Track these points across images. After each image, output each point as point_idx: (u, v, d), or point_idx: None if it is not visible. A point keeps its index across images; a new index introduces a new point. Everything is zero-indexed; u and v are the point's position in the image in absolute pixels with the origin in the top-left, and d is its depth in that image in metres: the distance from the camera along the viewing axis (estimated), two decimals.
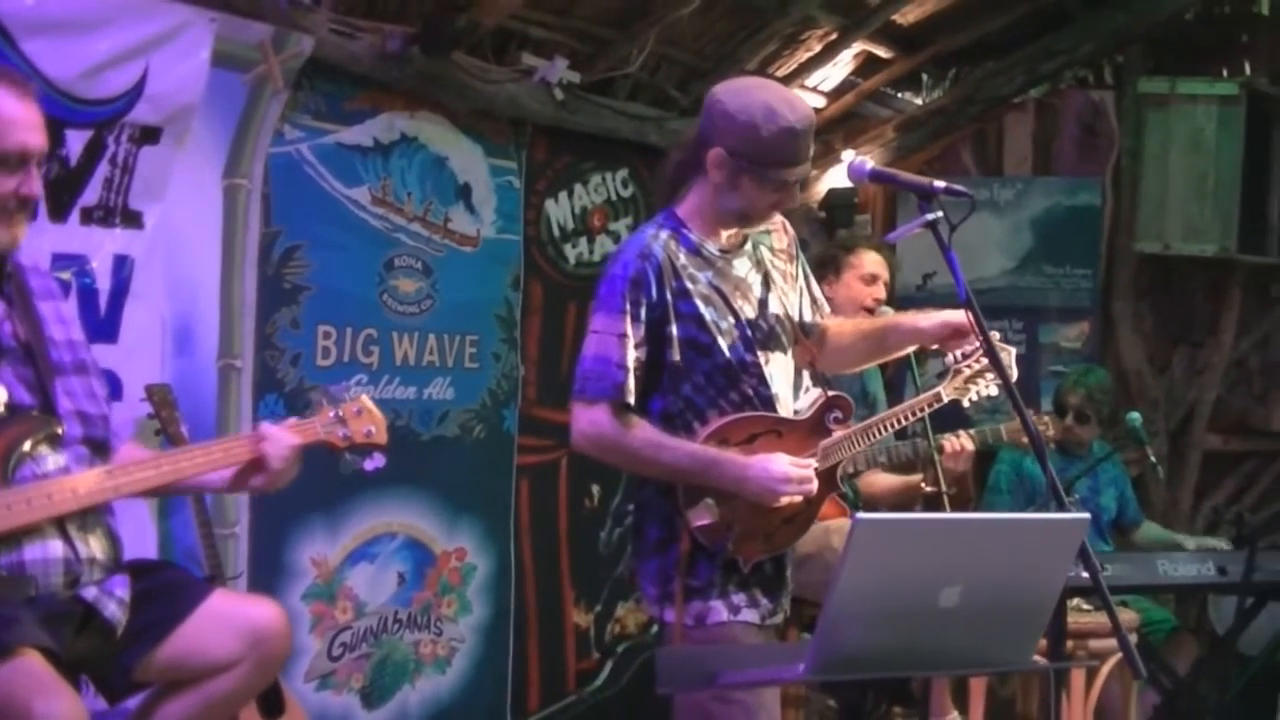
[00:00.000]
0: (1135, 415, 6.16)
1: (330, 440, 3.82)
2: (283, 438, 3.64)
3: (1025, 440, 5.22)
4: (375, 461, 3.96)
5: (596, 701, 6.99)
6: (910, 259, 7.50)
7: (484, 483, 6.47)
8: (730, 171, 3.93)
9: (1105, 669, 5.46)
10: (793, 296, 4.21)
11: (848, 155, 3.73)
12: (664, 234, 4.01)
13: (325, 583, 5.76)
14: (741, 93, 3.96)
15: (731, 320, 3.99)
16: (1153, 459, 6.47)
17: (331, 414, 3.83)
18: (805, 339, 4.22)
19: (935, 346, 4.21)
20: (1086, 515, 3.28)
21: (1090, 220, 7.96)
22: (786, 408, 4.09)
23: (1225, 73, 7.77)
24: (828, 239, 7.44)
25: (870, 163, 3.86)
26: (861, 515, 2.88)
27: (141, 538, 4.89)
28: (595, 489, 6.98)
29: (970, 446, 5.46)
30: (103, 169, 4.80)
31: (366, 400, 3.89)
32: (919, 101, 8.24)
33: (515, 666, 6.62)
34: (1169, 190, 7.57)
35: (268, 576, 5.49)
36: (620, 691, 7.07)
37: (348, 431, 3.83)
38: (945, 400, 4.31)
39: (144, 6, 4.76)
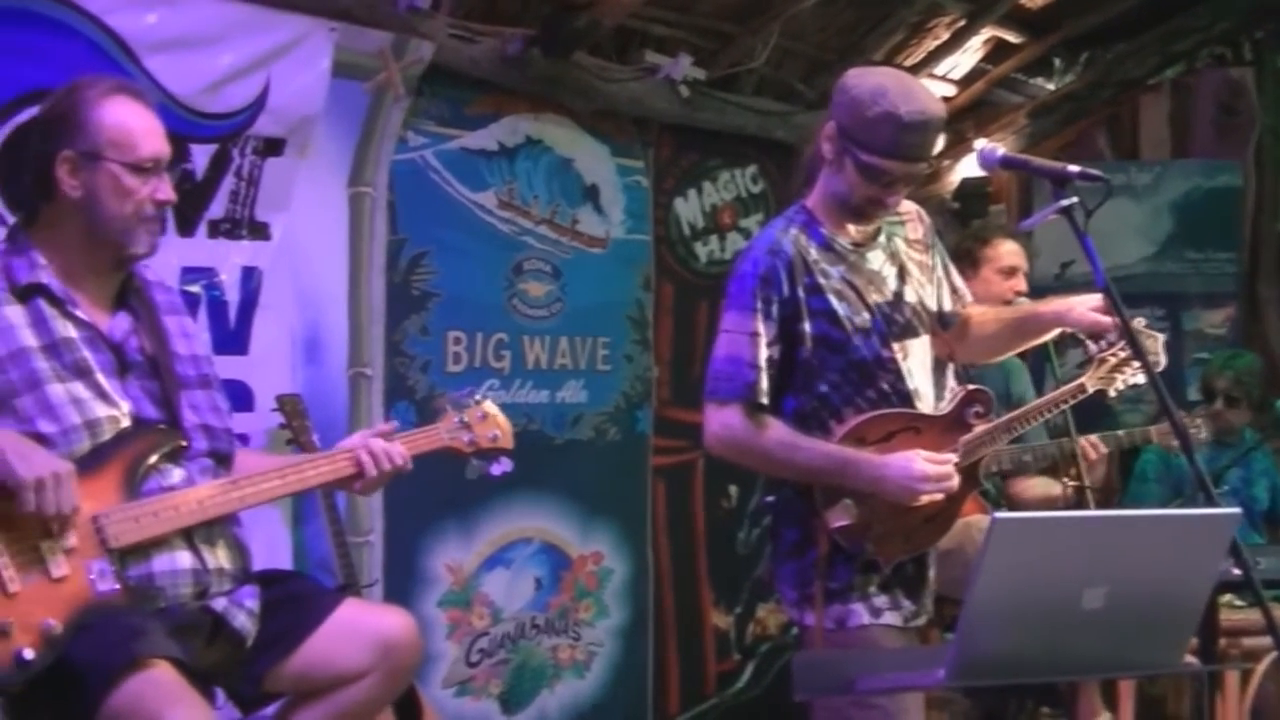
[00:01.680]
0: None
1: (455, 446, 3.80)
2: (388, 454, 3.62)
3: (1175, 442, 5.11)
4: (502, 466, 3.91)
5: (738, 704, 6.92)
6: (1047, 247, 7.36)
7: (619, 485, 6.43)
8: (837, 149, 3.86)
9: (1260, 668, 5.30)
10: (929, 288, 4.10)
11: (980, 144, 3.64)
12: (794, 228, 3.93)
13: (460, 589, 5.74)
14: (867, 74, 3.90)
15: (866, 315, 3.91)
16: None
17: (455, 420, 3.81)
18: (944, 330, 4.11)
19: (1081, 330, 4.09)
20: (1238, 510, 3.17)
21: (1232, 202, 7.78)
22: (926, 403, 3.98)
23: None
24: (961, 230, 7.30)
25: (1001, 149, 3.74)
26: (999, 514, 2.79)
27: (275, 547, 4.91)
28: (732, 489, 6.91)
29: (1104, 450, 5.34)
30: (228, 182, 4.82)
31: (491, 405, 3.86)
32: (1050, 86, 8.08)
33: (655, 670, 6.58)
34: None
35: (403, 584, 5.49)
36: (762, 694, 6.99)
37: (473, 436, 3.81)
38: (1089, 392, 4.21)
39: (264, 19, 4.77)
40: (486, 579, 5.86)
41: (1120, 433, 5.42)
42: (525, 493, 5.95)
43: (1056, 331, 4.22)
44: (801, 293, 3.85)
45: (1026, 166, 3.79)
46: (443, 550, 5.68)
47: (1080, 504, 5.07)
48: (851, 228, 3.96)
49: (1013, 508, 5.31)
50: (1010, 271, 5.56)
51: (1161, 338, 4.06)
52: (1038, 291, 5.70)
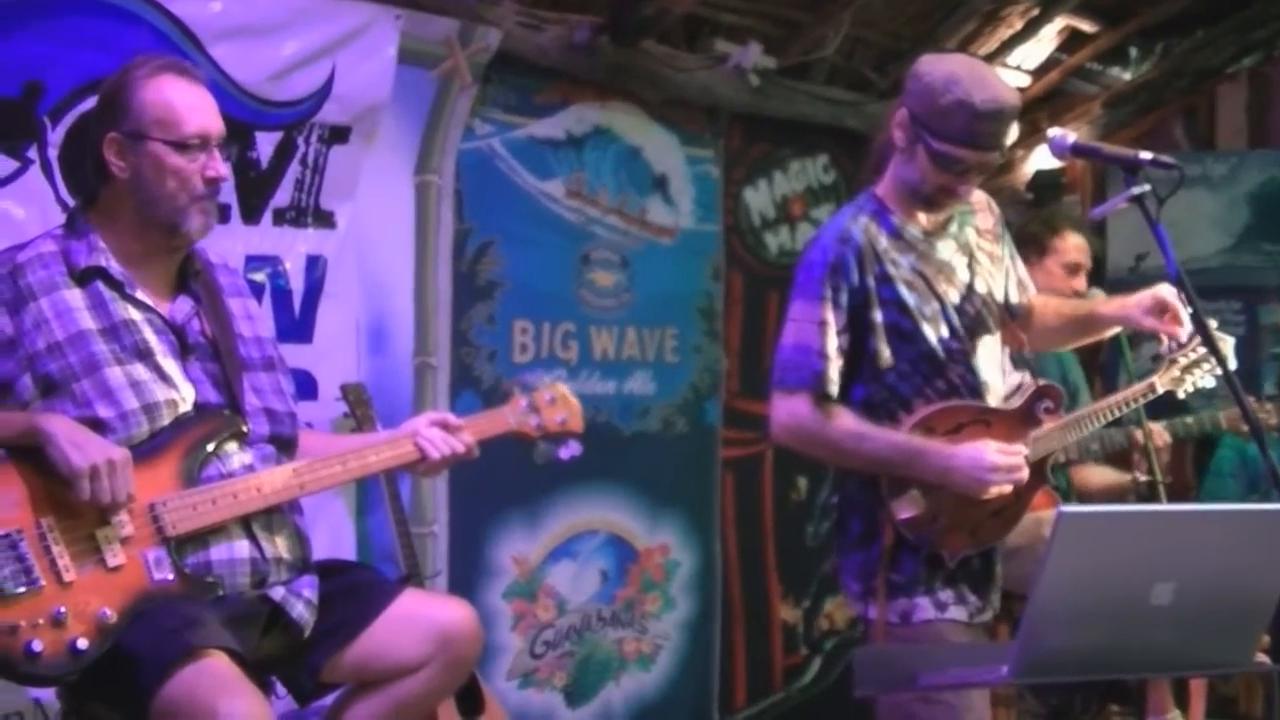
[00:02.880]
0: None
1: (522, 430, 3.76)
2: (449, 443, 3.59)
3: (1245, 428, 5.03)
4: (570, 450, 3.90)
5: (804, 699, 6.87)
6: (1120, 239, 7.27)
7: (687, 477, 6.39)
8: (910, 136, 3.83)
9: None
10: (999, 278, 4.06)
11: (1053, 132, 3.58)
12: (864, 217, 3.89)
13: (526, 581, 5.72)
14: (940, 61, 3.86)
15: (936, 305, 3.87)
16: None
17: (523, 403, 3.77)
18: (1012, 322, 4.06)
19: (1147, 326, 4.03)
20: None
21: None
22: (995, 395, 3.94)
23: None
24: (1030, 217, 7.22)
25: (1072, 136, 3.67)
26: (1065, 508, 2.74)
27: (339, 537, 4.91)
28: (802, 481, 6.86)
29: (1168, 438, 5.26)
30: (293, 170, 4.82)
31: (561, 387, 3.83)
32: (1126, 76, 7.97)
33: (721, 663, 6.53)
34: None
35: (467, 575, 5.48)
36: (829, 689, 6.94)
37: (540, 420, 3.78)
38: (1159, 392, 4.16)
39: (329, 7, 4.77)
40: (552, 571, 5.83)
41: (1189, 419, 5.33)
42: (592, 484, 5.93)
43: (1121, 327, 4.18)
44: (871, 281, 3.82)
45: (1098, 154, 3.72)
46: (508, 541, 5.66)
47: (1152, 497, 5.00)
48: (922, 216, 3.92)
49: (1081, 499, 5.25)
50: (1075, 269, 5.47)
51: (1231, 340, 3.99)
52: (1111, 284, 5.63)
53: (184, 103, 3.39)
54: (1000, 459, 3.75)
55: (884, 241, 3.86)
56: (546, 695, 5.82)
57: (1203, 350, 4.17)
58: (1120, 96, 7.70)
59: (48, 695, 4.10)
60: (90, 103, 3.94)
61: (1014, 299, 4.11)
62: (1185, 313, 3.95)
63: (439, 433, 3.60)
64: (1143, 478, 5.06)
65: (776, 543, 6.79)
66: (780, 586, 6.81)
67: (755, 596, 6.70)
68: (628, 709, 6.13)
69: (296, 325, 4.84)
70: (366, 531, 5.07)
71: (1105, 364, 6.54)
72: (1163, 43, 7.82)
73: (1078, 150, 3.68)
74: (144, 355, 3.35)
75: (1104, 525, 2.84)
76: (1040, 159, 7.48)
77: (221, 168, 3.44)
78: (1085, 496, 5.32)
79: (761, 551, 6.74)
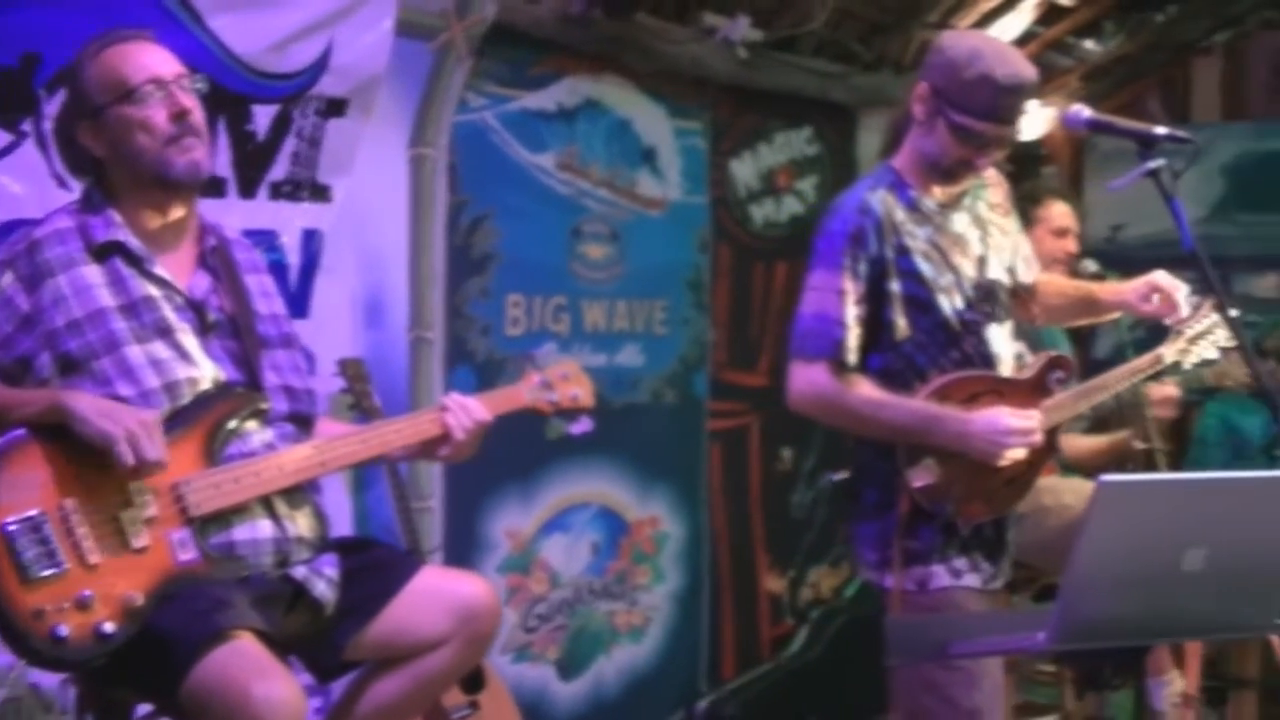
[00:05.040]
0: None
1: (537, 406, 3.77)
2: (468, 409, 3.58)
3: (1230, 384, 5.09)
4: (583, 426, 3.89)
5: (793, 668, 6.90)
6: (1098, 210, 7.29)
7: (676, 449, 6.41)
8: (930, 109, 3.85)
9: None
10: (1009, 252, 4.09)
11: (1031, 106, 3.63)
12: (881, 189, 3.91)
13: (520, 554, 5.72)
14: (962, 38, 3.92)
15: (951, 277, 3.90)
16: None
17: (537, 379, 3.78)
18: (1023, 297, 4.09)
19: (1145, 311, 4.10)
20: None
21: None
22: (1007, 366, 3.97)
23: None
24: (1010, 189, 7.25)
25: (1087, 111, 3.71)
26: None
27: (337, 514, 4.85)
28: (787, 452, 6.89)
29: (1177, 392, 5.30)
30: (290, 143, 4.77)
31: (573, 364, 3.85)
32: (1102, 49, 8.01)
33: (710, 634, 6.57)
34: None
35: (463, 549, 5.47)
36: (816, 658, 6.97)
37: (554, 396, 3.79)
38: (1167, 363, 4.19)
39: None
40: (545, 544, 5.83)
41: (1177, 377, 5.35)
42: (583, 457, 5.93)
43: (1121, 313, 4.24)
44: (890, 253, 3.85)
45: (1113, 129, 3.75)
46: (503, 516, 5.65)
47: (1150, 466, 5.04)
48: (938, 190, 3.95)
49: (1072, 468, 5.28)
50: (1062, 232, 5.57)
51: (1186, 288, 4.06)
52: (1089, 255, 5.65)
53: (127, 60, 3.36)
54: (1016, 423, 3.79)
55: (901, 213, 3.89)
56: (540, 668, 5.83)
57: (1207, 322, 4.22)
58: (1098, 70, 7.77)
59: (49, 680, 4.08)
60: None
61: (1022, 275, 4.13)
62: (1180, 293, 4.04)
63: (459, 397, 3.59)
64: (1141, 445, 5.10)
65: (763, 513, 6.81)
66: (767, 557, 6.84)
67: (742, 567, 6.73)
68: (619, 681, 6.14)
69: (293, 300, 4.77)
70: (365, 507, 5.06)
71: (1085, 334, 6.57)
72: (1139, 16, 7.87)
73: (1094, 125, 3.72)
74: (164, 333, 3.32)
75: (1140, 493, 2.87)
76: (1021, 130, 7.48)
77: (185, 99, 3.37)
78: (1076, 464, 5.34)
79: (748, 523, 6.77)
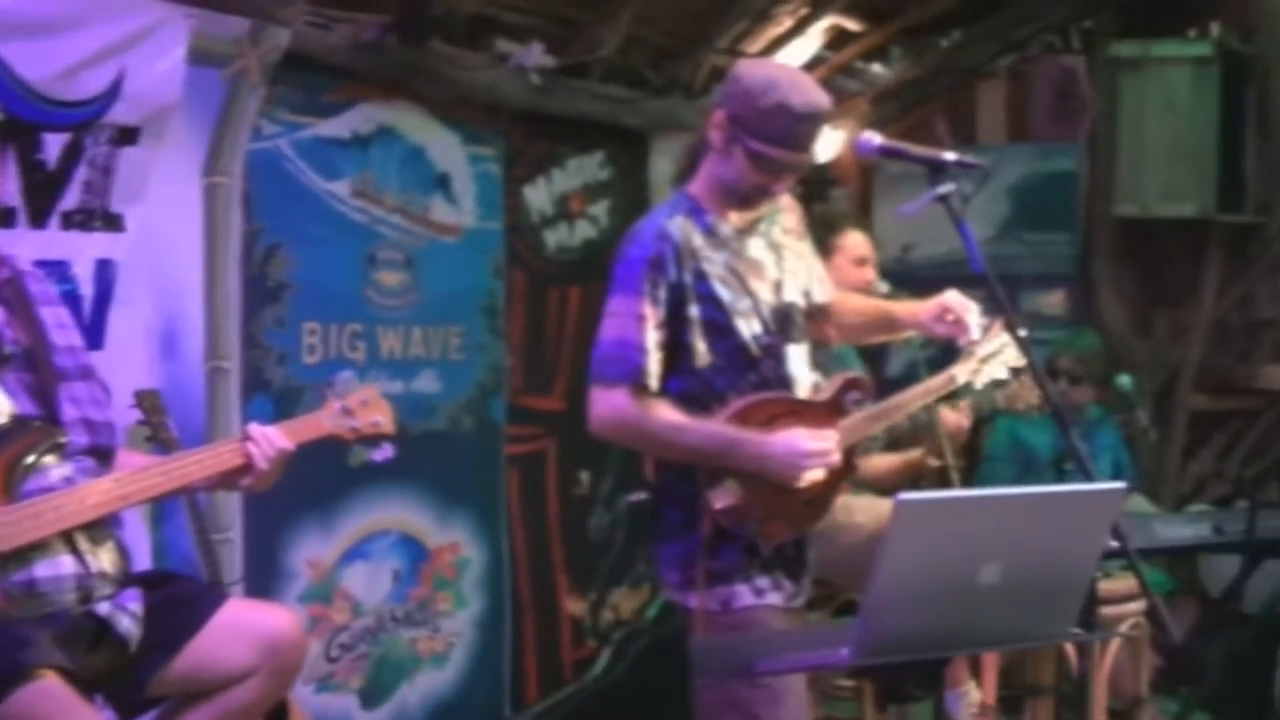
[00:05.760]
0: (1126, 378, 6.11)
1: (339, 433, 3.77)
2: (270, 439, 3.57)
3: (1020, 406, 5.22)
4: (384, 452, 3.90)
5: (596, 690, 6.92)
6: (888, 231, 7.43)
7: (474, 475, 6.40)
8: (727, 137, 3.90)
9: (1116, 637, 5.44)
10: (804, 275, 4.17)
11: (864, 135, 3.73)
12: (679, 215, 3.96)
13: (321, 584, 5.68)
14: (758, 66, 4.03)
15: (749, 301, 3.96)
16: (1145, 422, 6.41)
17: (338, 406, 3.78)
18: (818, 318, 4.17)
19: (938, 332, 4.20)
20: (1123, 484, 3.26)
21: (1067, 186, 7.95)
22: (804, 388, 4.05)
23: (1194, 33, 7.71)
24: (804, 213, 7.36)
25: (878, 138, 3.81)
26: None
27: (136, 547, 4.77)
28: (584, 475, 6.92)
29: (967, 423, 5.42)
30: (82, 172, 4.69)
31: (373, 390, 3.85)
32: (890, 74, 8.18)
33: (513, 659, 6.56)
34: (1145, 153, 7.51)
35: (264, 580, 5.41)
36: (619, 679, 7.00)
37: (355, 423, 3.79)
38: (960, 383, 4.31)
39: (119, 5, 4.65)
40: (346, 573, 5.79)
41: (968, 400, 5.46)
42: (382, 484, 5.89)
43: (916, 333, 4.33)
44: (688, 278, 3.90)
45: (905, 154, 3.85)
46: (303, 545, 5.60)
47: (944, 483, 5.15)
48: (734, 215, 4.01)
49: (867, 486, 5.38)
50: (861, 262, 5.60)
51: (978, 308, 4.17)
52: (880, 276, 5.75)
53: None
54: (813, 445, 3.87)
55: (699, 239, 3.94)
56: (343, 698, 5.78)
57: (998, 342, 4.33)
58: (886, 94, 7.94)
59: None
60: None
61: (817, 296, 4.21)
62: (971, 315, 4.13)
63: (259, 427, 3.57)
64: (935, 462, 5.21)
65: (562, 537, 6.84)
66: (567, 580, 6.86)
67: (543, 591, 6.74)
68: (423, 708, 6.11)
69: (87, 332, 4.67)
70: (163, 540, 4.98)
71: (877, 353, 6.71)
72: (926, 41, 8.06)
73: (885, 151, 3.83)
74: None
75: (938, 511, 2.97)
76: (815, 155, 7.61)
77: None
78: (872, 483, 5.44)
79: (548, 546, 6.79)
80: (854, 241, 5.60)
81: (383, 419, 3.86)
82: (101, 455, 3.46)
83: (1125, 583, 5.29)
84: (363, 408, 3.81)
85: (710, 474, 3.87)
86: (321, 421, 3.76)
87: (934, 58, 8.02)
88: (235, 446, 3.54)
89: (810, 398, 4.04)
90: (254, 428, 3.59)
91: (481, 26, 6.14)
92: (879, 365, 7.05)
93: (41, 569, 3.23)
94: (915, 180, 3.78)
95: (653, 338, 3.87)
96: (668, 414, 3.87)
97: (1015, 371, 4.43)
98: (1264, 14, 7.40)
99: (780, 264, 4.09)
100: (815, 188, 7.74)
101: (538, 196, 6.71)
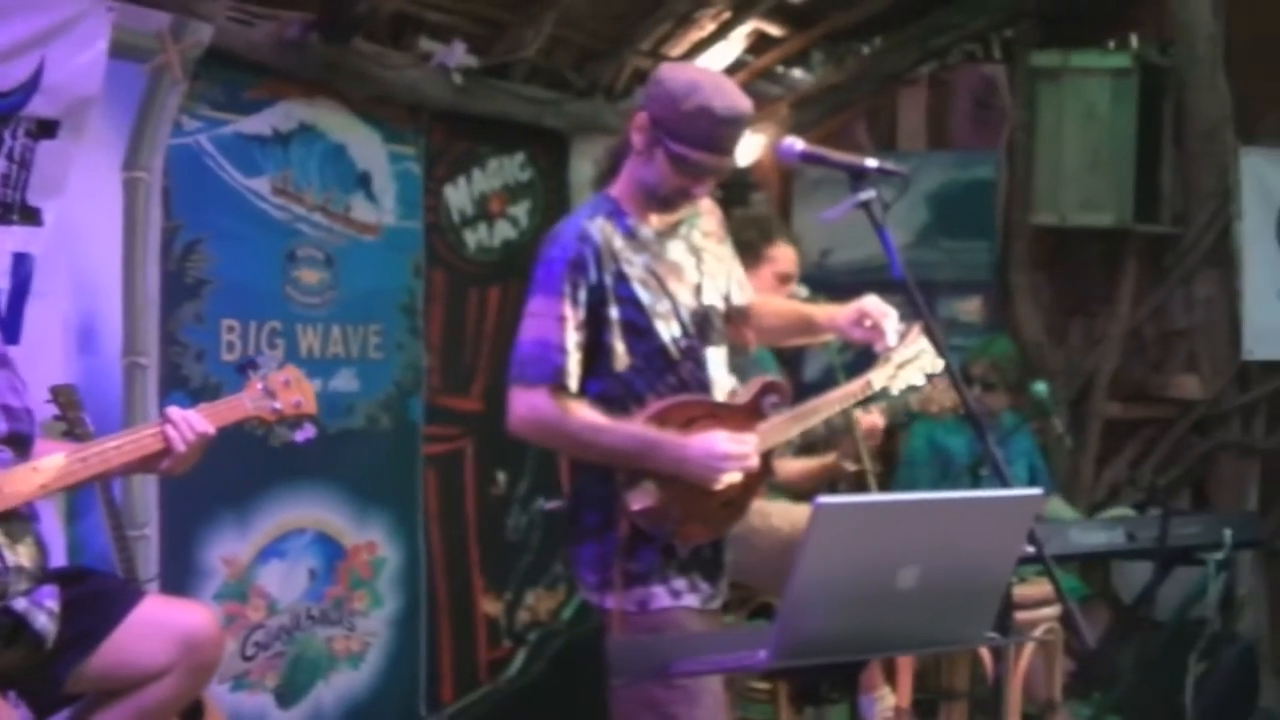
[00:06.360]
0: (1041, 386, 6.15)
1: (260, 414, 3.78)
2: (190, 422, 3.55)
3: (934, 410, 5.25)
4: (306, 433, 3.92)
5: (512, 691, 6.92)
6: (807, 236, 7.43)
7: (392, 474, 6.39)
8: (649, 139, 3.91)
9: (1031, 641, 5.49)
10: (723, 279, 4.19)
11: (786, 140, 3.74)
12: (600, 217, 3.97)
13: (237, 581, 5.66)
14: (681, 70, 4.01)
15: (668, 304, 3.97)
16: (1060, 429, 6.45)
17: (260, 387, 3.79)
18: (736, 320, 4.20)
19: (855, 337, 4.21)
20: (1041, 490, 3.29)
21: (986, 194, 8.01)
22: (722, 391, 4.07)
23: (1113, 45, 7.80)
24: (724, 216, 7.37)
25: (800, 144, 3.82)
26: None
27: (50, 542, 4.74)
28: (501, 476, 6.91)
29: (881, 424, 5.44)
30: None
31: (295, 371, 3.85)
32: (811, 79, 8.22)
33: (428, 659, 6.55)
34: (1064, 162, 7.58)
35: (180, 577, 5.38)
36: (534, 680, 7.00)
37: (277, 404, 3.81)
38: (876, 389, 4.33)
39: None
40: (262, 571, 5.77)
41: (882, 405, 5.48)
42: (299, 482, 5.89)
43: (834, 336, 4.35)
44: (609, 280, 3.90)
45: (826, 160, 3.86)
46: (219, 543, 5.58)
47: (861, 487, 5.18)
48: (655, 218, 4.02)
49: (783, 486, 5.41)
50: (786, 278, 5.55)
51: (895, 313, 4.18)
52: (799, 280, 5.76)
53: None
54: (731, 448, 3.88)
55: (619, 241, 3.95)
56: (258, 697, 5.76)
57: (915, 348, 4.35)
58: (807, 99, 7.98)
59: None
60: None
61: (736, 299, 4.23)
62: (889, 320, 4.14)
63: (179, 411, 3.56)
64: (852, 467, 5.24)
65: (479, 537, 6.83)
66: (483, 580, 6.85)
67: (459, 591, 6.73)
68: (338, 707, 6.10)
69: (4, 325, 4.67)
70: (78, 535, 4.94)
71: (794, 356, 6.74)
72: (847, 47, 8.11)
73: (806, 157, 3.83)
74: None
75: (856, 515, 2.98)
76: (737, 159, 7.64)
77: None
78: (787, 486, 5.47)
79: (464, 546, 6.78)
80: (785, 255, 5.55)
81: (304, 399, 3.89)
82: (19, 443, 3.44)
83: (1040, 588, 5.33)
84: (284, 388, 3.83)
85: (628, 475, 3.88)
86: (244, 403, 3.77)
87: (855, 64, 8.07)
88: (155, 430, 3.54)
89: (729, 401, 4.06)
90: (174, 411, 3.58)
91: (404, 25, 6.14)
92: (796, 369, 7.09)
93: None
94: (834, 185, 3.80)
95: (573, 339, 3.87)
96: (587, 415, 3.88)
97: (929, 377, 4.45)
98: (1181, 27, 7.47)
99: (700, 267, 4.10)
100: (735, 191, 7.75)
101: (458, 196, 6.70)
